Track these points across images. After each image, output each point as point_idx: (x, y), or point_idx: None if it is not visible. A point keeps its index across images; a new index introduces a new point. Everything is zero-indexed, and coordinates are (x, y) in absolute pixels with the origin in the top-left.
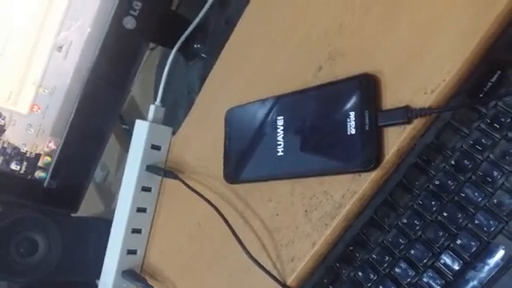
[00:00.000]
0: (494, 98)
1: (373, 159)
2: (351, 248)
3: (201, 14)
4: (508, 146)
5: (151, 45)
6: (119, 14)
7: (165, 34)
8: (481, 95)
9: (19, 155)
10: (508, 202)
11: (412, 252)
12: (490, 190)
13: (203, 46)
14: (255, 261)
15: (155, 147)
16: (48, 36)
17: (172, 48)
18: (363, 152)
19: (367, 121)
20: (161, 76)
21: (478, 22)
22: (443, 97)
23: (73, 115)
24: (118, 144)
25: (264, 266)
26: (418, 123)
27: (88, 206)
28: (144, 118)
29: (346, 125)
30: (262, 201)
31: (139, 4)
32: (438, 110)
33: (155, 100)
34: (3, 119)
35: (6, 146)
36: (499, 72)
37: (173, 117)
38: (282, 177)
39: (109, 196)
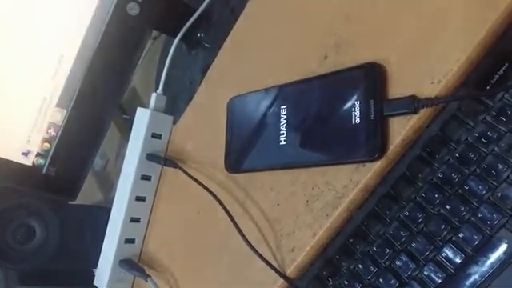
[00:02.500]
0: (501, 89)
1: (377, 149)
2: (351, 240)
3: (205, 2)
4: None
5: (154, 34)
6: (123, 0)
7: (168, 22)
8: (488, 87)
9: None
10: None
11: (413, 245)
12: (494, 183)
13: (206, 35)
14: (255, 250)
15: (156, 136)
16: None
17: (175, 36)
18: (368, 142)
19: (372, 110)
20: (163, 64)
21: (487, 12)
22: (450, 87)
23: (73, 102)
24: (118, 133)
25: (264, 256)
26: (424, 113)
27: (87, 194)
28: (145, 107)
29: (351, 114)
30: (262, 190)
31: None
32: (445, 99)
33: (157, 88)
34: None
35: None
36: (507, 64)
37: (174, 105)
38: (284, 167)
39: (108, 184)
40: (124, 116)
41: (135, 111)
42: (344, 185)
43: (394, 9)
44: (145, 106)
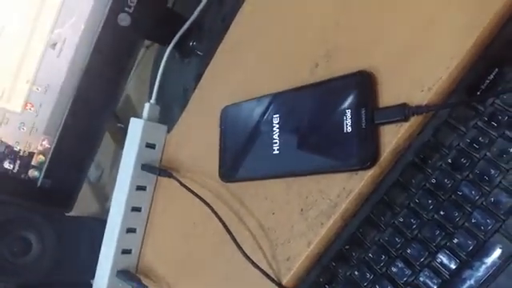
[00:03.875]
0: (491, 95)
1: (369, 157)
2: (347, 247)
3: (197, 11)
4: (505, 144)
5: (146, 43)
6: (114, 11)
7: (160, 32)
8: (478, 93)
9: (12, 154)
10: (505, 200)
11: (408, 251)
12: (487, 188)
13: (199, 44)
14: (250, 260)
15: (150, 145)
16: (42, 33)
17: (167, 45)
18: (360, 150)
19: (364, 118)
20: (156, 73)
21: (476, 19)
22: (440, 94)
23: (67, 113)
24: (112, 142)
25: (259, 265)
26: (414, 121)
27: (82, 205)
28: (139, 116)
29: (343, 122)
30: (257, 199)
31: (134, 1)
32: (435, 107)
33: (150, 98)
34: None
35: None
36: (496, 69)
37: (167, 114)
38: (278, 175)
39: (103, 195)
40: (118, 124)
41: (129, 119)
42: (337, 193)
43: (383, 17)
44: (139, 114)
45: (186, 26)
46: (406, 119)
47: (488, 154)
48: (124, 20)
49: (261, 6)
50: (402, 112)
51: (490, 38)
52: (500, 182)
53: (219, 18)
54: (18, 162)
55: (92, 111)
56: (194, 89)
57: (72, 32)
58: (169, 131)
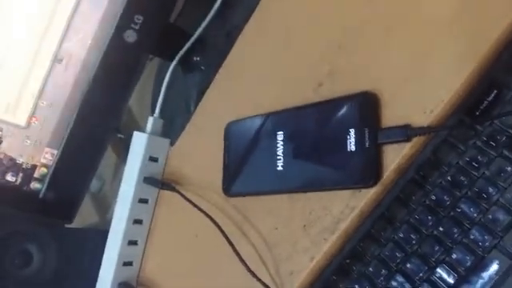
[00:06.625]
0: (489, 118)
1: (372, 176)
2: (348, 261)
3: (201, 27)
4: (503, 163)
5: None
6: (121, 28)
7: (163, 47)
8: (477, 113)
9: (15, 166)
10: (503, 217)
11: (408, 266)
12: (485, 205)
13: (203, 59)
14: (253, 274)
15: (153, 159)
16: (49, 48)
17: (170, 60)
18: (363, 169)
19: (367, 138)
20: (159, 87)
21: (477, 45)
22: (442, 116)
23: (71, 127)
24: (113, 153)
25: (262, 279)
26: (416, 141)
27: (83, 216)
28: (140, 126)
29: (346, 141)
30: (261, 214)
31: (140, 18)
32: (437, 129)
33: (153, 111)
34: (0, 131)
35: (2, 157)
36: (495, 91)
37: (170, 127)
38: (281, 191)
39: (104, 206)
40: (119, 135)
41: (130, 130)
42: (341, 210)
43: (385, 39)
44: (139, 124)
45: (189, 43)
46: (408, 139)
47: (486, 172)
48: (130, 36)
49: (265, 25)
50: (405, 133)
51: (490, 63)
52: (498, 199)
53: (223, 33)
54: (21, 174)
55: (96, 125)
56: (197, 103)
57: (79, 47)
58: (172, 144)
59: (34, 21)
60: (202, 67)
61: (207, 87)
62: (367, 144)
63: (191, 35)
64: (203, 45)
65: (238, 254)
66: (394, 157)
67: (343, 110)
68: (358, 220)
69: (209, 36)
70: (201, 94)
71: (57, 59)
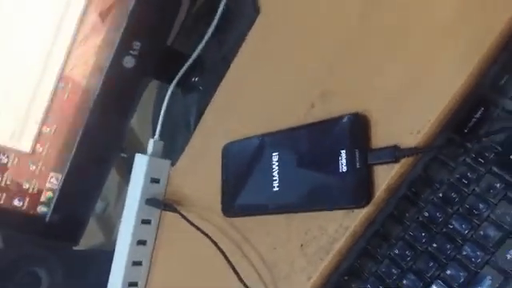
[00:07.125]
0: (478, 137)
1: (364, 196)
2: (346, 278)
3: (198, 49)
4: (492, 179)
5: None
6: (119, 54)
7: (163, 70)
8: (465, 130)
9: (22, 191)
10: (493, 233)
11: (404, 282)
12: (476, 221)
13: (201, 79)
14: None
15: (154, 180)
16: (50, 76)
17: (168, 82)
18: (354, 189)
19: (358, 159)
20: (159, 109)
21: (462, 66)
22: (429, 136)
23: (74, 151)
24: (116, 174)
25: None
26: (405, 162)
27: (88, 237)
28: (142, 144)
29: (338, 162)
30: (259, 235)
31: (138, 44)
32: (424, 150)
33: (153, 133)
34: (6, 157)
35: (8, 183)
36: (482, 108)
37: (170, 147)
38: (278, 211)
39: (109, 226)
40: (122, 155)
41: (132, 148)
42: (335, 229)
43: (373, 61)
44: (141, 142)
45: (187, 65)
46: (396, 161)
47: (477, 188)
48: (129, 62)
49: (259, 47)
50: (393, 154)
51: (475, 83)
52: (488, 215)
53: (220, 55)
54: (27, 199)
55: (98, 149)
56: (196, 123)
57: (79, 74)
58: (172, 164)
59: (35, 51)
60: (201, 87)
61: (206, 106)
62: (358, 165)
63: (189, 56)
64: (201, 66)
65: (237, 273)
66: (385, 177)
67: (334, 132)
68: (351, 240)
69: (206, 58)
70: (201, 112)
71: (58, 87)
